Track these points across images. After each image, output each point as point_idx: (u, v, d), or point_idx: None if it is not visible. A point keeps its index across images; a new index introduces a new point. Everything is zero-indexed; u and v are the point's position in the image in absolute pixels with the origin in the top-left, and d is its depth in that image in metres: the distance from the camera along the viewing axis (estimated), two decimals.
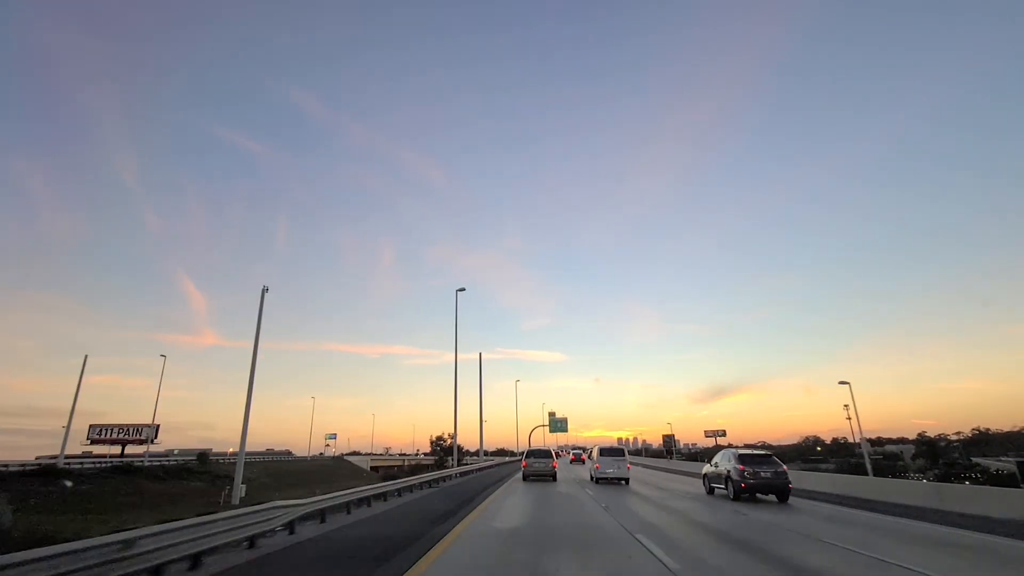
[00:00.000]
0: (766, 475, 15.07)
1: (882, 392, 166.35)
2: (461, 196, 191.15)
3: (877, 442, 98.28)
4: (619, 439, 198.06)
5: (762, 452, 16.65)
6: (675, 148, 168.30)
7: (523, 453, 27.21)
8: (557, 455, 29.50)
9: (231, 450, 64.48)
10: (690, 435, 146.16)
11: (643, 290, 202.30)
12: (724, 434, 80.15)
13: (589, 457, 32.62)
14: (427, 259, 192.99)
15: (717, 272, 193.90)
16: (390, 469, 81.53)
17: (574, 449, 76.35)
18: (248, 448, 22.59)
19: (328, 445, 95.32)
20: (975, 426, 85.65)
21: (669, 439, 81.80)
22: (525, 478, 23.21)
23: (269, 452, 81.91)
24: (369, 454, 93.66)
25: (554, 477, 23.38)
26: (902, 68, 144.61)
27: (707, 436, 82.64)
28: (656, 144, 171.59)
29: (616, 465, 21.83)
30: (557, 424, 61.70)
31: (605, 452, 22.78)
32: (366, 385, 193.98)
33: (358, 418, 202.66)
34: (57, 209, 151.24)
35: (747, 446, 67.38)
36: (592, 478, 23.03)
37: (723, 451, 17.51)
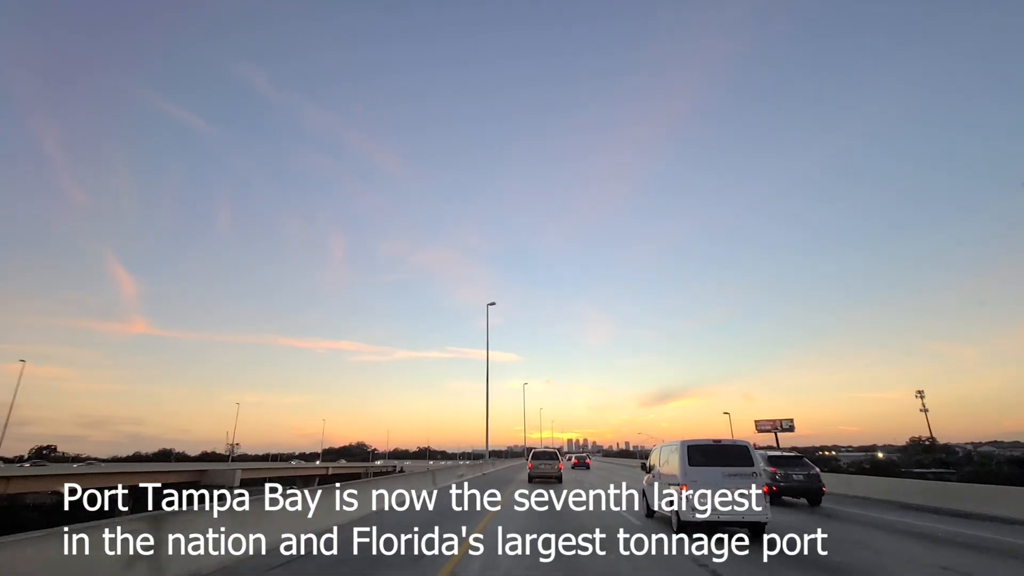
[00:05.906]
0: (798, 478, 14.20)
1: (817, 398, 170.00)
2: (418, 193, 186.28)
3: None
4: (568, 440, 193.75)
5: (791, 453, 15.75)
6: (629, 158, 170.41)
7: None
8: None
9: None
10: (638, 438, 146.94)
11: (595, 294, 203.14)
12: (792, 426, 53.32)
13: (643, 466, 12.88)
14: (380, 253, 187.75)
15: (666, 279, 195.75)
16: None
17: (577, 453, 73.53)
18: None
19: None
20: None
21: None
22: (531, 479, 23.28)
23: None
24: None
25: (559, 479, 23.28)
26: (844, 88, 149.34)
27: (760, 431, 55.29)
28: (612, 153, 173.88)
29: (736, 485, 8.50)
30: None
31: (699, 453, 9.04)
32: (312, 382, 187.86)
33: (300, 415, 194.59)
34: None
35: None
36: (661, 516, 10.44)
37: None
